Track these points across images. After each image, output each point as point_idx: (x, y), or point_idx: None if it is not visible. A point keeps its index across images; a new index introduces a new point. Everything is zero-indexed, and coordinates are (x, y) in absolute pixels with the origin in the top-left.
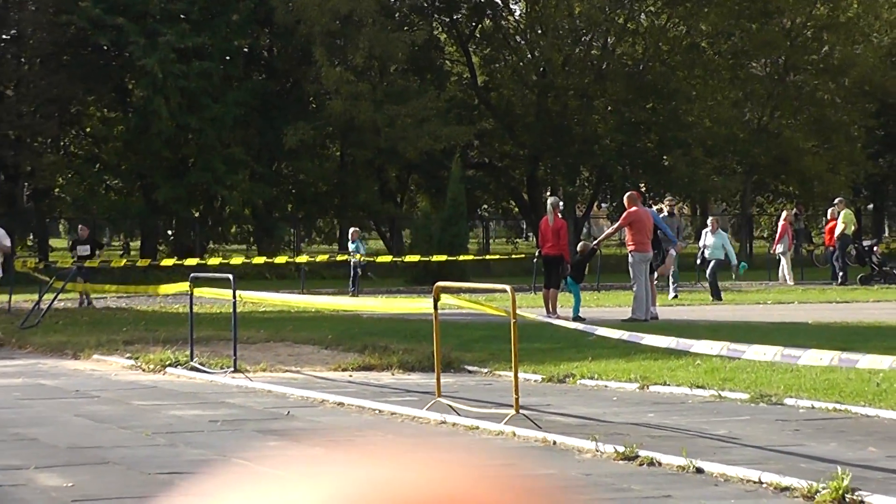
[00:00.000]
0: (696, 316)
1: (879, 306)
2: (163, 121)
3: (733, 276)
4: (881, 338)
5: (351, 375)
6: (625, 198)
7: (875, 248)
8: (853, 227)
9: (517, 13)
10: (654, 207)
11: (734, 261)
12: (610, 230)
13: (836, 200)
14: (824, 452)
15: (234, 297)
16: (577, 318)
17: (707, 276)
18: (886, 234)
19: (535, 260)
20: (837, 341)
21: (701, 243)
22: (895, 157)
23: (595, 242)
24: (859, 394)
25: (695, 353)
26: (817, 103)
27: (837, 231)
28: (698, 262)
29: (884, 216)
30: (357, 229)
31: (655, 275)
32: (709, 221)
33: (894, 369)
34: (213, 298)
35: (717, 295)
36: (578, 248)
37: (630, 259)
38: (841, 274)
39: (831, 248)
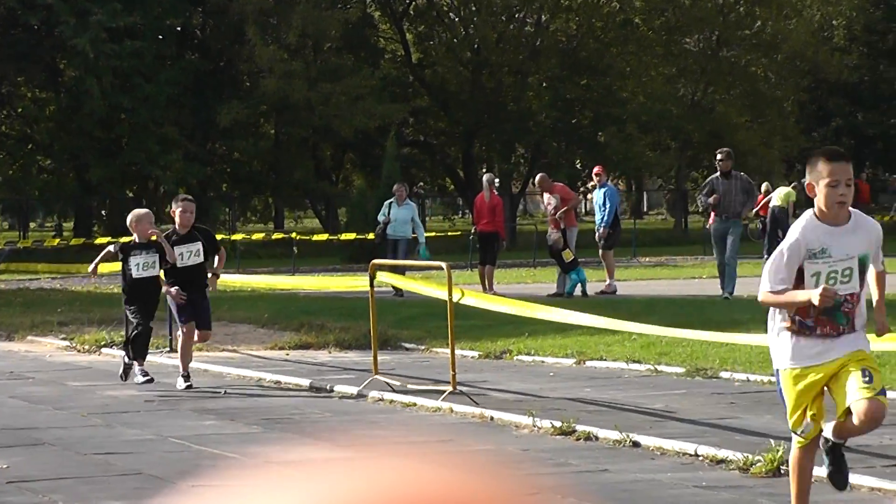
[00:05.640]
0: (631, 291)
1: None
2: (95, 101)
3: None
4: None
5: (288, 354)
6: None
7: None
8: (790, 202)
9: None
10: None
11: (421, 239)
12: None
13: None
14: (759, 425)
15: None
16: (569, 295)
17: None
18: None
19: (471, 237)
20: None
21: (381, 216)
22: (828, 132)
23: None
24: None
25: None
26: (750, 78)
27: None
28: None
29: None
30: None
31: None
32: (394, 188)
33: None
34: None
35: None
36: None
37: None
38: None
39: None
